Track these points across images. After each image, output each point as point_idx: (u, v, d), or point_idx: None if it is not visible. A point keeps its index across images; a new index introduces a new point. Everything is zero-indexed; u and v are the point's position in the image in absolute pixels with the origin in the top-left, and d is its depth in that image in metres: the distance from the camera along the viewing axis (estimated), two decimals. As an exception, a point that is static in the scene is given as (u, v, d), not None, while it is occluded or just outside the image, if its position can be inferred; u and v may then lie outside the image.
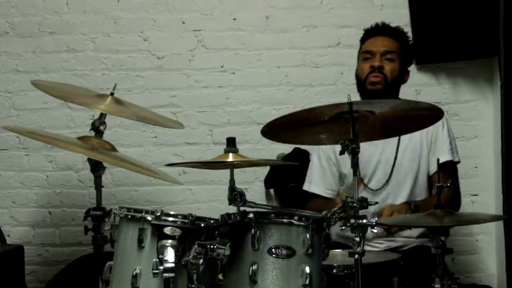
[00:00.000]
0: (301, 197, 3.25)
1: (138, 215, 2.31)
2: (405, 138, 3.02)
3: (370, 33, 3.15)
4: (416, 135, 2.99)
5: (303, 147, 3.52)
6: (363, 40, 3.17)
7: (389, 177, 3.03)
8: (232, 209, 2.24)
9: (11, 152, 3.79)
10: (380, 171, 3.05)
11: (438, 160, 2.68)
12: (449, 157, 3.03)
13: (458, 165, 3.12)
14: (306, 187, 3.21)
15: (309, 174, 3.22)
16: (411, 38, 3.20)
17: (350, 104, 2.15)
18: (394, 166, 3.03)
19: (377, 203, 2.25)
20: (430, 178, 3.04)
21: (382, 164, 3.05)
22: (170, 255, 2.12)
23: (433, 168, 3.00)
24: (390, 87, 3.03)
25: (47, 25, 3.78)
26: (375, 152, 3.04)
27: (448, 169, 3.00)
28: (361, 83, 3.07)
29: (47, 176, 3.79)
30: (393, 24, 3.19)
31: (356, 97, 3.06)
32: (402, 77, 3.10)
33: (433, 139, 3.05)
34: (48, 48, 3.78)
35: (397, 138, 3.03)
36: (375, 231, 2.20)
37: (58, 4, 3.78)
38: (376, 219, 2.15)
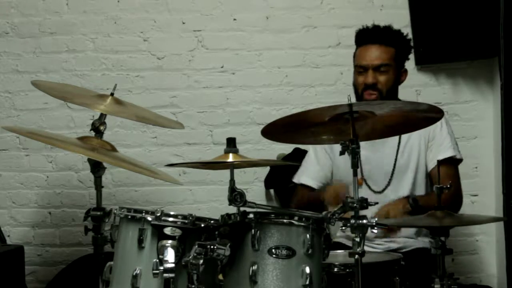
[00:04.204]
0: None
1: (138, 215, 2.31)
2: (404, 137, 3.03)
3: (362, 39, 3.07)
4: (414, 134, 2.98)
5: (303, 147, 3.52)
6: (356, 44, 3.11)
7: (391, 177, 3.03)
8: (232, 210, 2.24)
9: (11, 152, 3.79)
10: (382, 172, 3.05)
11: (438, 161, 2.68)
12: (452, 152, 3.02)
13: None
14: (295, 179, 3.19)
15: (301, 167, 3.21)
16: (405, 34, 3.12)
17: (351, 105, 2.15)
18: (395, 166, 3.03)
19: (377, 203, 2.25)
20: (429, 175, 3.05)
21: (384, 164, 3.05)
22: (170, 256, 2.12)
23: (431, 164, 3.00)
24: (387, 97, 3.00)
25: (47, 25, 3.78)
26: (374, 152, 3.03)
27: (449, 166, 3.00)
28: (358, 95, 3.04)
29: (47, 177, 3.79)
30: (393, 25, 3.15)
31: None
32: (398, 81, 3.07)
33: (430, 137, 3.05)
34: (48, 49, 3.78)
35: (397, 138, 3.03)
36: (375, 231, 2.20)
37: (58, 4, 3.78)
38: (376, 219, 2.15)
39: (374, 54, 3.01)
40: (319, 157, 3.17)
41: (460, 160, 3.09)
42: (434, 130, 3.02)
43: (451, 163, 3.03)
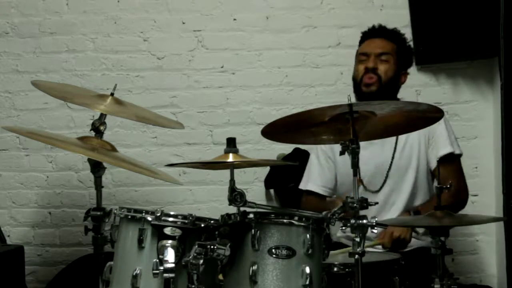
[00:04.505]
0: (301, 197, 3.25)
1: (138, 215, 2.31)
2: (402, 136, 3.03)
3: (367, 35, 3.18)
4: (413, 133, 3.00)
5: (303, 147, 3.52)
6: (360, 42, 3.20)
7: (387, 177, 3.04)
8: (232, 210, 2.24)
9: (11, 152, 3.79)
10: (379, 172, 3.05)
11: (438, 160, 2.68)
12: (450, 149, 3.04)
13: (458, 165, 3.13)
14: (302, 186, 3.21)
15: (306, 173, 3.22)
16: (409, 40, 3.22)
17: (351, 105, 2.15)
18: (392, 166, 3.04)
19: (377, 203, 2.25)
20: (432, 174, 3.06)
21: (380, 165, 3.05)
22: (170, 256, 2.12)
23: (434, 162, 3.02)
24: (385, 88, 3.04)
25: (47, 25, 3.78)
26: (373, 153, 3.04)
27: (450, 162, 3.01)
28: (356, 85, 3.09)
29: (47, 177, 3.79)
30: (393, 25, 3.19)
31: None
32: (398, 78, 3.10)
33: (430, 135, 3.06)
34: (48, 48, 3.78)
35: (394, 137, 3.04)
36: (375, 231, 2.20)
37: (58, 4, 3.78)
38: (376, 219, 2.15)
39: (377, 44, 3.10)
40: (322, 162, 3.18)
41: (460, 155, 3.10)
42: (433, 127, 3.02)
43: (452, 159, 3.04)
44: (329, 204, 3.06)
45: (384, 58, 3.06)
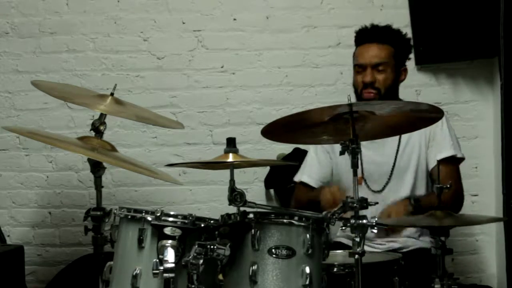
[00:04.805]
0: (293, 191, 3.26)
1: (138, 215, 2.31)
2: (404, 137, 3.03)
3: (361, 39, 3.10)
4: (415, 134, 2.99)
5: (303, 147, 3.52)
6: (355, 44, 3.14)
7: (390, 177, 3.03)
8: (232, 210, 2.24)
9: (11, 152, 3.79)
10: (381, 172, 3.05)
11: (438, 161, 2.68)
12: (452, 152, 3.02)
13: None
14: (296, 178, 3.20)
15: (302, 166, 3.21)
16: (404, 33, 3.14)
17: (351, 105, 2.15)
18: (395, 166, 3.04)
19: (377, 203, 2.25)
20: (430, 175, 3.05)
21: (383, 164, 3.05)
22: (170, 255, 2.13)
23: (432, 163, 3.00)
24: (386, 96, 3.01)
25: (47, 25, 3.78)
26: (375, 153, 3.04)
27: (450, 164, 3.00)
28: (357, 94, 3.06)
29: (47, 176, 3.79)
30: (393, 25, 3.16)
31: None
32: (397, 79, 3.08)
33: (431, 137, 3.05)
34: (48, 48, 3.78)
35: (397, 138, 3.03)
36: (375, 231, 2.20)
37: (58, 4, 3.78)
38: (376, 219, 2.15)
39: (372, 53, 3.03)
40: (320, 156, 3.18)
41: (462, 159, 3.09)
42: (435, 129, 3.02)
43: (452, 162, 3.03)
44: (317, 193, 3.05)
45: (381, 68, 3.00)
